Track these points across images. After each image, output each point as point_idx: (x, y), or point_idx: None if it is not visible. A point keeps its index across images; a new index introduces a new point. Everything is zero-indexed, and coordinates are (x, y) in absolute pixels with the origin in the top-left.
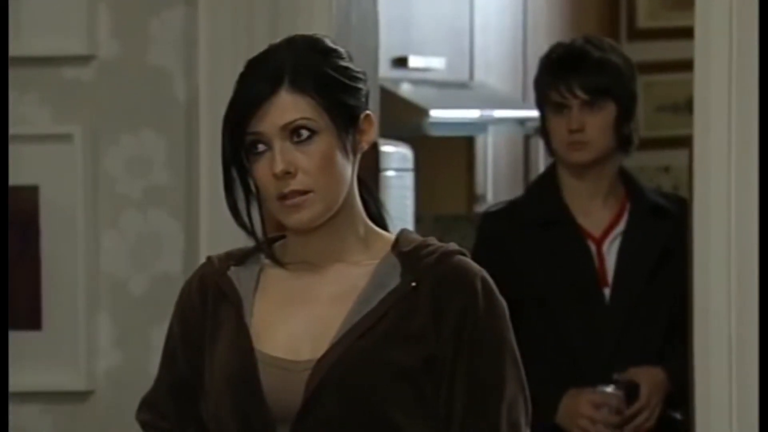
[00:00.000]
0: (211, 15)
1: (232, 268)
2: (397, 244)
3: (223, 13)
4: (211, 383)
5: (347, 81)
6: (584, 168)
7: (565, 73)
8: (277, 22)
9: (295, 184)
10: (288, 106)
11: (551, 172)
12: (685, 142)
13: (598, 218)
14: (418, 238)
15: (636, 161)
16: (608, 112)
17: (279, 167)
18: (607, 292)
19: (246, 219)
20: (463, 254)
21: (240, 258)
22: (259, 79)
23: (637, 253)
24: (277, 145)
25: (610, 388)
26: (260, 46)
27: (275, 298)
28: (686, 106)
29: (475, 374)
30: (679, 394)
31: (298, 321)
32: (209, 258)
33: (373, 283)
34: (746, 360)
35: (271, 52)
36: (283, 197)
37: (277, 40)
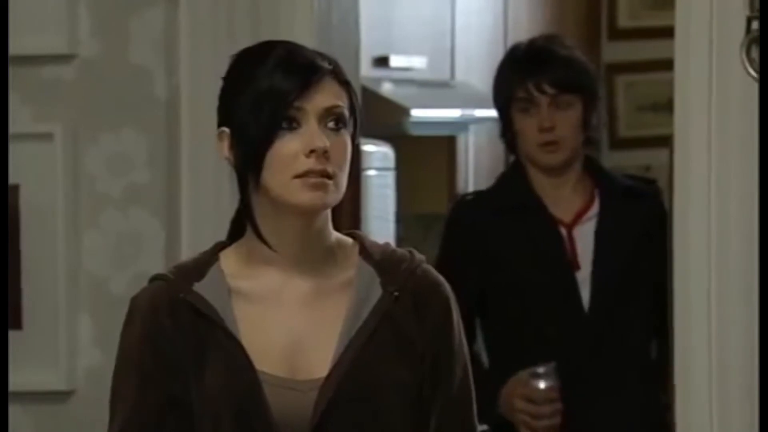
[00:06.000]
0: (192, 13)
1: (196, 284)
2: (364, 250)
3: (204, 11)
4: (206, 405)
5: (358, 107)
6: (556, 169)
7: (533, 70)
8: (258, 21)
9: (327, 165)
10: (333, 91)
11: (518, 169)
12: (665, 141)
13: (568, 205)
14: (376, 241)
15: (616, 160)
16: (576, 109)
17: (322, 143)
18: (578, 276)
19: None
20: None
21: (197, 273)
22: (303, 62)
23: (614, 234)
24: (313, 125)
25: (542, 379)
26: (241, 45)
27: (255, 313)
28: (667, 106)
29: (454, 376)
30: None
31: (287, 337)
32: (163, 276)
33: (358, 297)
34: (727, 352)
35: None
36: (307, 174)
37: (259, 38)
